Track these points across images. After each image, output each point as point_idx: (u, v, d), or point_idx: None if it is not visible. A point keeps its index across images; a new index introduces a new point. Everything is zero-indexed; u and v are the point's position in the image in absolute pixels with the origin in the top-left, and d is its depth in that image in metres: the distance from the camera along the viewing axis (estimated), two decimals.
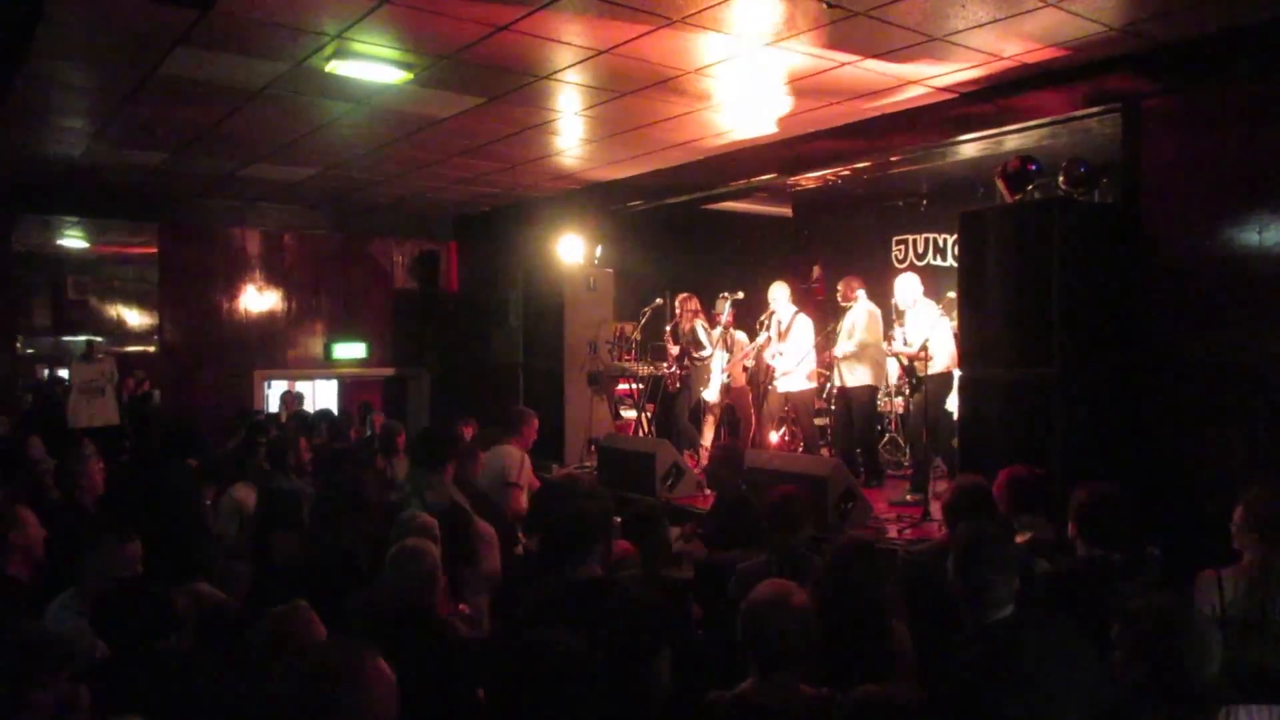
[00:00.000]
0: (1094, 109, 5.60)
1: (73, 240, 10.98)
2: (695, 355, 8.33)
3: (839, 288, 7.58)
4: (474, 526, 4.28)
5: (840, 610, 3.00)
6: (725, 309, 8.40)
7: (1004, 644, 2.72)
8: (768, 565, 3.89)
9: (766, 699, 2.55)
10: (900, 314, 7.27)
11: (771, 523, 4.04)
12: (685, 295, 8.55)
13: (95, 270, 11.19)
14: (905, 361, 6.94)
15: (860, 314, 7.35)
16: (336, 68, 5.65)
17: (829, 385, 8.39)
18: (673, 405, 8.42)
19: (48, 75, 5.99)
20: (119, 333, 10.66)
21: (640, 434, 8.65)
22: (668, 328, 8.64)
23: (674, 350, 8.43)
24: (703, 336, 8.36)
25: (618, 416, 9.41)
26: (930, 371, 6.56)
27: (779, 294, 7.92)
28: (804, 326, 7.74)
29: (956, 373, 6.44)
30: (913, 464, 7.22)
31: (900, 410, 8.42)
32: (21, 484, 5.11)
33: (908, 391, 7.23)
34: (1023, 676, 2.63)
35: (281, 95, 6.31)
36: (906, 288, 7.12)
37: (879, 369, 7.46)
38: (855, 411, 7.39)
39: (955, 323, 6.53)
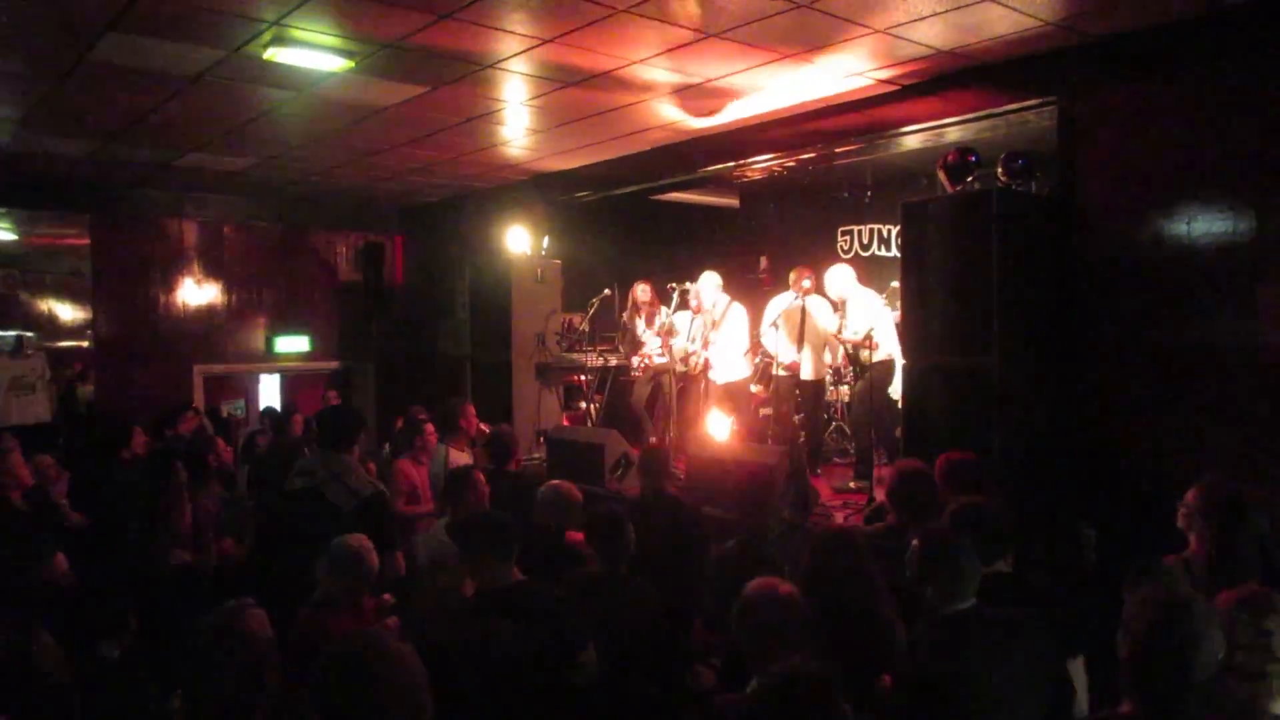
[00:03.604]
0: (1031, 102, 5.72)
1: (0, 232, 10.59)
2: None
3: (804, 281, 7.53)
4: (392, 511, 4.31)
5: (830, 604, 3.00)
6: (674, 299, 8.42)
7: (962, 633, 2.79)
8: (742, 548, 3.93)
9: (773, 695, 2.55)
10: (840, 304, 7.30)
11: (743, 507, 4.10)
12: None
13: (25, 263, 10.81)
14: (851, 349, 7.01)
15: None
16: (275, 55, 5.53)
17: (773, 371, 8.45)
18: (628, 394, 8.38)
19: None
20: (51, 327, 10.32)
21: (589, 425, 8.64)
22: (641, 318, 8.54)
23: (654, 338, 8.31)
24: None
25: (566, 408, 9.39)
26: (875, 359, 6.65)
27: (709, 283, 7.94)
28: (738, 315, 7.78)
29: (899, 361, 6.54)
30: (857, 452, 7.31)
31: (846, 399, 8.52)
32: None
33: (851, 379, 7.30)
34: (978, 665, 2.70)
35: (218, 83, 6.15)
36: (841, 278, 7.15)
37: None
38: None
39: (898, 312, 6.62)
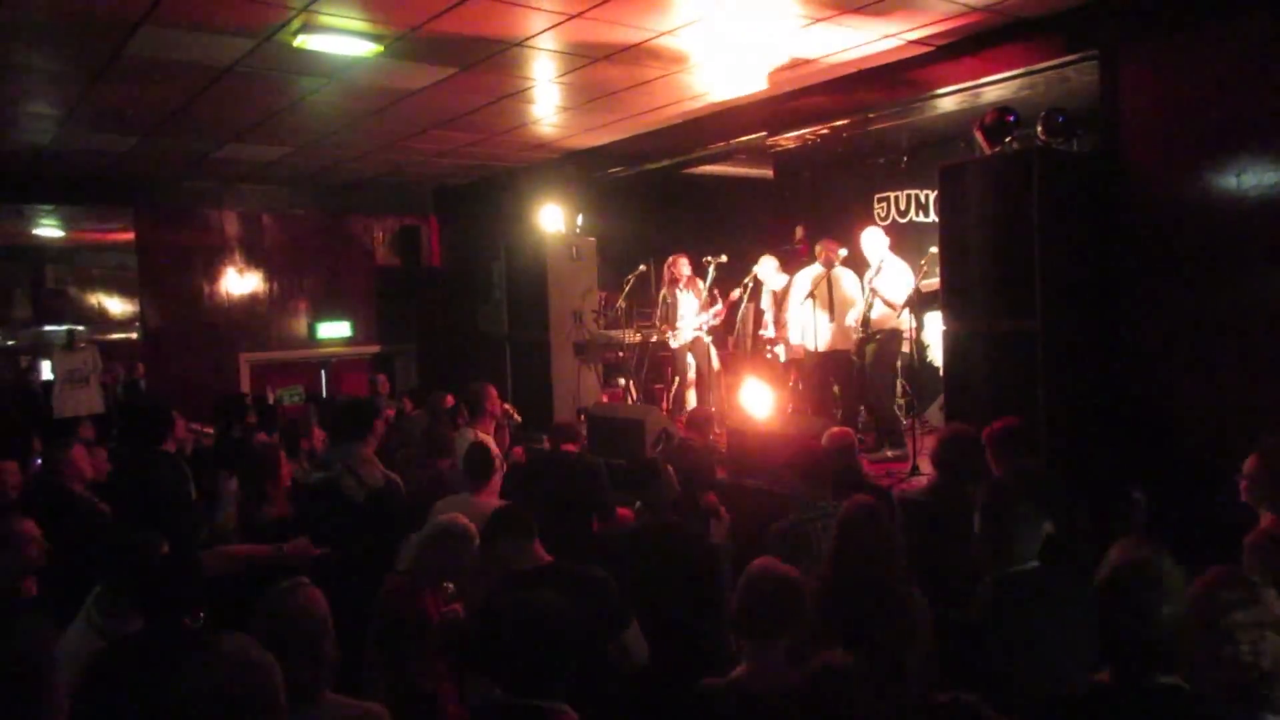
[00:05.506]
0: (1071, 57, 5.57)
1: (48, 229, 10.85)
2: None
3: (840, 250, 7.41)
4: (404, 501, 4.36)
5: (853, 578, 2.98)
6: (710, 273, 8.41)
7: (1024, 593, 2.77)
8: (802, 524, 3.89)
9: (759, 684, 2.56)
10: (877, 268, 7.18)
11: (805, 480, 4.04)
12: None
13: (73, 259, 11.09)
14: (874, 301, 6.91)
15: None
16: (305, 42, 5.56)
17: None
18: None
19: (8, 59, 5.88)
20: (100, 320, 10.58)
21: (629, 401, 8.66)
22: (704, 292, 8.47)
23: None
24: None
25: (606, 385, 9.41)
26: (886, 327, 6.71)
27: (769, 266, 7.92)
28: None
29: (905, 327, 6.64)
30: (879, 420, 7.24)
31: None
32: None
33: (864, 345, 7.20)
34: (1036, 625, 2.69)
35: (250, 72, 6.21)
36: (874, 241, 7.07)
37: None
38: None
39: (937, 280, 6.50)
